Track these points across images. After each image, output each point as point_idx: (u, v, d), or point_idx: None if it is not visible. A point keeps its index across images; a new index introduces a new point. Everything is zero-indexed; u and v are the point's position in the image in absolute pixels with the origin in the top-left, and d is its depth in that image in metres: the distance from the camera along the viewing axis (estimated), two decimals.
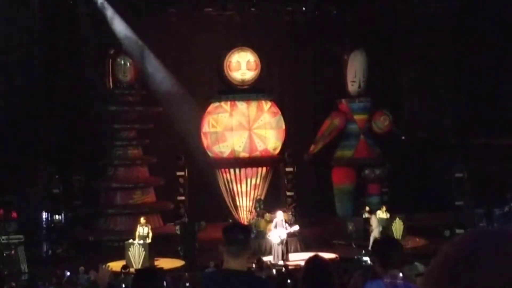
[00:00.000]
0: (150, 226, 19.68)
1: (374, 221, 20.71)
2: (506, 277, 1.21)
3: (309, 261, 4.29)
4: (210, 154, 23.77)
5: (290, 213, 21.57)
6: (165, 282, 12.96)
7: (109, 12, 23.65)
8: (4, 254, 19.07)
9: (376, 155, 24.07)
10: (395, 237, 18.68)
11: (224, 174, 23.79)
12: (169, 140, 24.92)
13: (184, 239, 20.48)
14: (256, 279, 4.92)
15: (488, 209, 22.23)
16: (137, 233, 18.96)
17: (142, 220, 19.43)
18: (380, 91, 24.75)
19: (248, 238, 4.04)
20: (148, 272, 4.67)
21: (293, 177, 24.60)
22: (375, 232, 20.55)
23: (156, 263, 18.92)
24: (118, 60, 24.63)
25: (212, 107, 23.67)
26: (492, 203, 22.19)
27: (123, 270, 15.74)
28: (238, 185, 23.63)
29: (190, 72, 24.83)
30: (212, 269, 14.40)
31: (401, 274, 4.19)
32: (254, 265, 15.67)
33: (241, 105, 23.34)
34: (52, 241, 21.53)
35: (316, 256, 4.37)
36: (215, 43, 24.41)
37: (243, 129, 23.16)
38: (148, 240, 18.88)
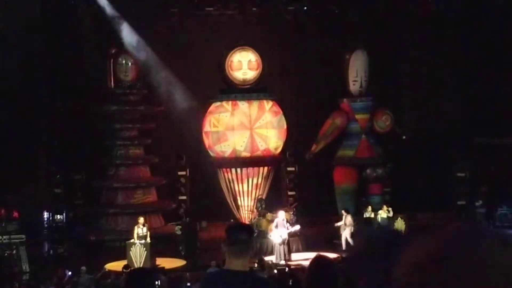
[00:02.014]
0: (147, 226, 19.64)
1: (348, 220, 20.67)
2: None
3: (313, 261, 4.27)
4: (211, 153, 23.74)
5: (291, 212, 21.53)
6: (159, 282, 12.96)
7: (111, 11, 23.61)
8: (6, 254, 19.05)
9: (377, 155, 24.03)
10: None
11: (226, 174, 23.76)
12: (171, 139, 24.87)
13: (185, 238, 20.47)
14: (257, 279, 4.90)
15: (490, 208, 22.22)
16: (135, 234, 18.91)
17: (141, 220, 19.36)
18: (381, 91, 24.71)
19: (251, 238, 4.03)
20: (140, 272, 4.67)
21: (294, 176, 24.54)
22: (346, 232, 20.47)
23: (157, 263, 18.91)
24: (120, 59, 24.60)
25: (213, 106, 23.64)
26: (494, 202, 22.17)
27: (124, 270, 15.72)
28: (240, 185, 23.60)
29: (192, 71, 24.77)
30: (214, 269, 14.38)
31: None
32: (256, 265, 15.65)
33: (243, 105, 23.31)
34: (53, 241, 21.53)
35: (320, 256, 4.35)
36: (216, 43, 24.37)
37: (244, 129, 23.13)
38: (148, 240, 18.84)
